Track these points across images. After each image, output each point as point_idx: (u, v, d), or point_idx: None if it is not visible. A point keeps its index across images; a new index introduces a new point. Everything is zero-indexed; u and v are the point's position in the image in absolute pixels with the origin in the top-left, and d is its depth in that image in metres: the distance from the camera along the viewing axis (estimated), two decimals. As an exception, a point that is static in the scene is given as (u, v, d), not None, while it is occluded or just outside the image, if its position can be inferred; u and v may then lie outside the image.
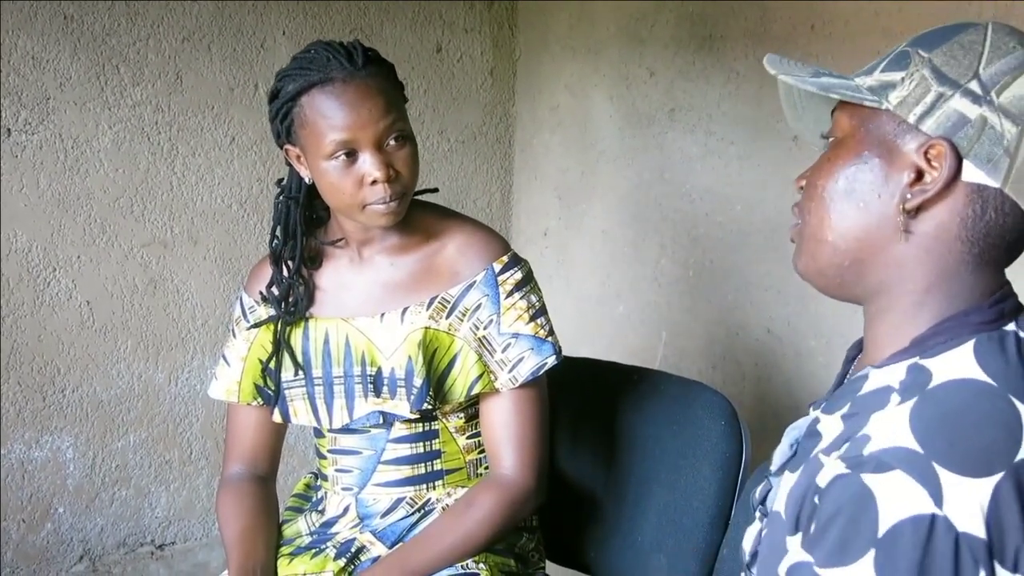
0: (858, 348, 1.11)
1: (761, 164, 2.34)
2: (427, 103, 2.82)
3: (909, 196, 0.94)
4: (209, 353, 2.59)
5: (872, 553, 0.82)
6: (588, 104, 2.81)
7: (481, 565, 1.55)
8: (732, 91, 2.39)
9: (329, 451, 1.66)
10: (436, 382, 1.56)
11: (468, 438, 1.65)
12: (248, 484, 1.67)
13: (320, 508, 1.69)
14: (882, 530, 0.82)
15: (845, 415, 0.96)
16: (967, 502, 0.82)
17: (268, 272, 1.62)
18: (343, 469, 1.65)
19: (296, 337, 1.61)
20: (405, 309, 1.56)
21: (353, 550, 1.59)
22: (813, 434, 1.00)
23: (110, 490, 2.55)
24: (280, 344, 1.60)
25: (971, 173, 0.92)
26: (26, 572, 2.47)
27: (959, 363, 0.91)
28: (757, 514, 1.17)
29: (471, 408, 1.63)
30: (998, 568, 0.82)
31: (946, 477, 0.83)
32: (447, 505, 1.62)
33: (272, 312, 1.61)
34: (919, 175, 0.94)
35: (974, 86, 0.92)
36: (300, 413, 1.62)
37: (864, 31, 2.08)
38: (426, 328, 1.55)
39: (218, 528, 1.66)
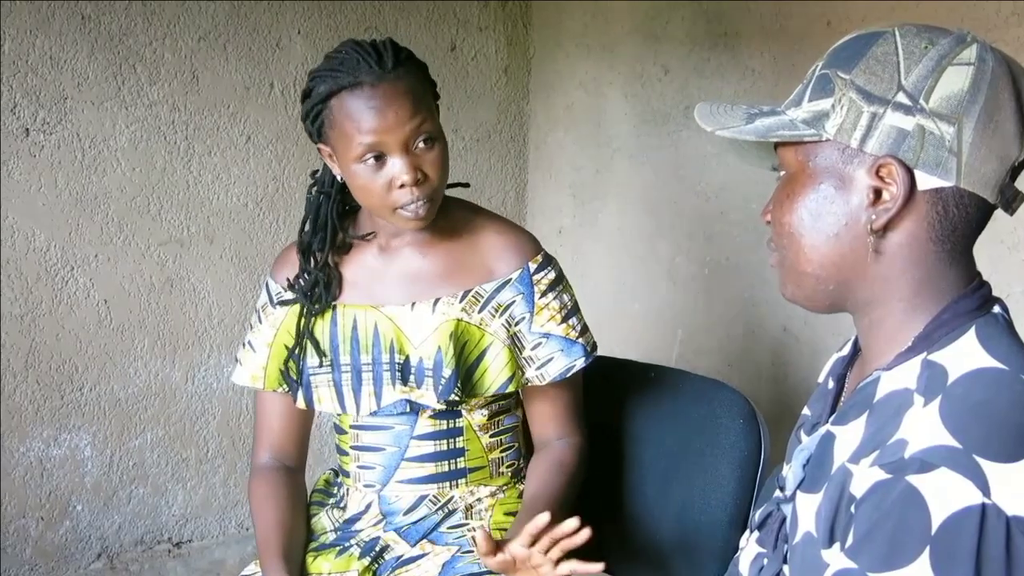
0: (844, 364, 1.14)
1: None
2: (441, 101, 2.81)
3: (874, 217, 0.96)
4: (226, 351, 2.59)
5: (927, 551, 0.84)
6: (603, 102, 2.81)
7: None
8: (748, 88, 2.39)
9: (352, 448, 1.66)
10: (464, 374, 1.57)
11: (491, 436, 1.65)
12: (280, 474, 1.68)
13: (342, 505, 1.69)
14: (935, 527, 0.84)
15: (867, 422, 0.97)
16: (1012, 486, 0.85)
17: (294, 259, 1.63)
18: (366, 466, 1.65)
19: (324, 324, 1.61)
20: (437, 300, 1.57)
21: (377, 549, 1.60)
22: (827, 451, 1.01)
23: (127, 488, 2.56)
24: (303, 335, 1.61)
25: (925, 180, 0.95)
26: (45, 569, 2.48)
27: (968, 353, 0.94)
28: (752, 537, 1.17)
29: (495, 404, 1.64)
30: None
31: (988, 466, 0.85)
32: (471, 504, 1.63)
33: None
34: (877, 194, 0.96)
35: (902, 98, 0.94)
36: (324, 400, 1.62)
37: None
38: (458, 320, 1.56)
39: (251, 515, 1.67)
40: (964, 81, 0.94)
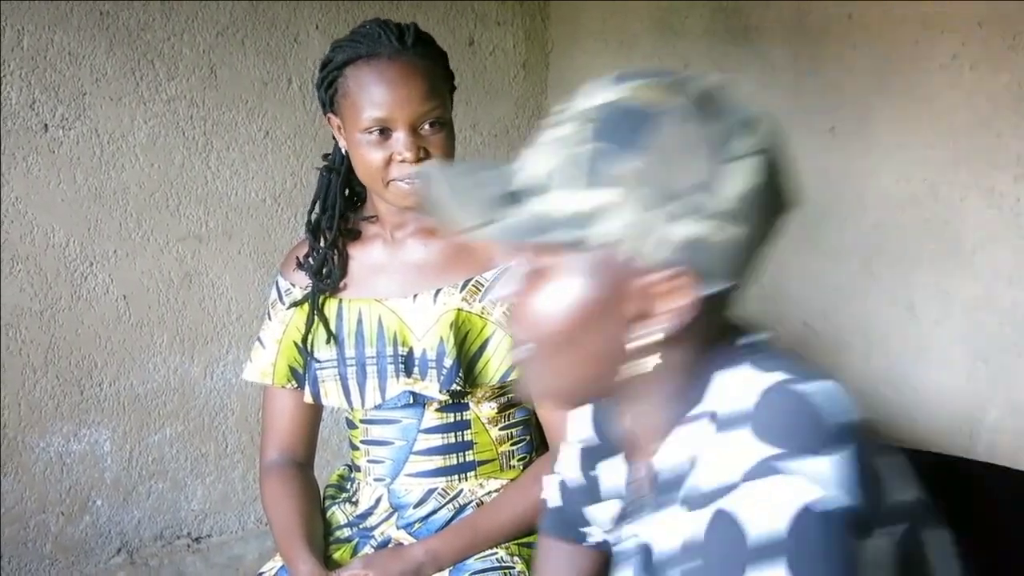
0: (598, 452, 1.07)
1: (797, 156, 2.32)
2: (459, 97, 2.78)
3: (643, 331, 0.89)
4: (244, 346, 2.60)
5: (785, 561, 0.78)
6: (621, 97, 2.80)
7: (516, 558, 1.56)
8: (768, 82, 2.37)
9: (362, 442, 1.66)
10: (467, 364, 1.56)
11: (501, 429, 1.65)
12: (291, 469, 1.69)
13: (354, 500, 1.70)
14: (785, 531, 0.79)
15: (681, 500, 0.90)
16: (828, 479, 0.80)
17: (304, 253, 1.65)
18: (375, 460, 1.65)
19: (330, 318, 1.62)
20: (438, 291, 1.58)
21: (391, 547, 1.59)
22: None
23: (147, 483, 2.57)
24: (314, 317, 1.62)
25: (707, 287, 0.87)
26: (65, 564, 2.49)
27: (749, 380, 0.88)
28: None
29: (503, 398, 1.64)
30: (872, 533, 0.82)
31: (807, 464, 0.80)
32: (482, 499, 1.62)
33: (308, 291, 1.63)
34: (649, 309, 0.87)
35: (687, 196, 0.84)
36: (331, 394, 1.62)
37: (903, 20, 2.06)
38: (458, 309, 1.56)
39: (266, 512, 1.67)
40: (753, 176, 0.85)
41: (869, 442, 0.85)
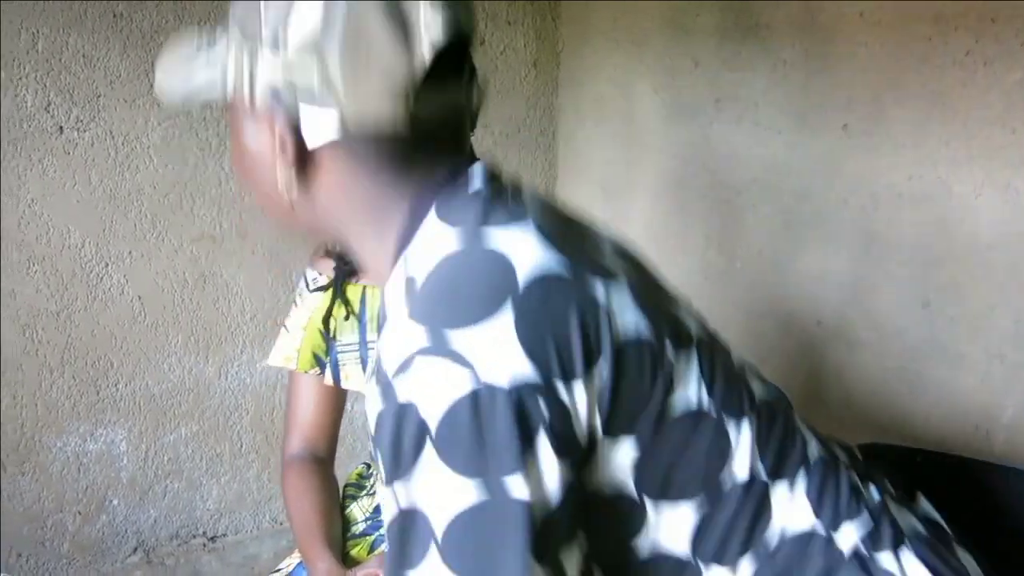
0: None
1: (809, 154, 2.32)
2: (471, 96, 2.83)
3: (281, 174, 0.93)
4: (258, 347, 2.61)
5: (430, 449, 0.76)
6: (632, 95, 2.80)
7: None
8: (779, 80, 2.37)
9: None
10: None
11: None
12: (312, 464, 1.69)
13: (372, 492, 1.71)
14: (435, 426, 0.76)
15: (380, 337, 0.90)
16: (485, 349, 0.77)
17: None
18: None
19: (353, 303, 1.65)
20: None
21: None
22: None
23: (163, 483, 2.58)
24: (336, 297, 1.64)
25: (312, 133, 0.89)
26: (82, 563, 2.50)
27: (430, 233, 0.88)
28: None
29: None
30: (561, 390, 0.79)
31: (456, 336, 0.78)
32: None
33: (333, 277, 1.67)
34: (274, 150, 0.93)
35: (268, 41, 0.87)
36: (352, 377, 1.64)
37: (916, 18, 2.05)
38: None
39: (286, 506, 1.67)
40: (315, 16, 0.84)
41: (557, 289, 0.82)
